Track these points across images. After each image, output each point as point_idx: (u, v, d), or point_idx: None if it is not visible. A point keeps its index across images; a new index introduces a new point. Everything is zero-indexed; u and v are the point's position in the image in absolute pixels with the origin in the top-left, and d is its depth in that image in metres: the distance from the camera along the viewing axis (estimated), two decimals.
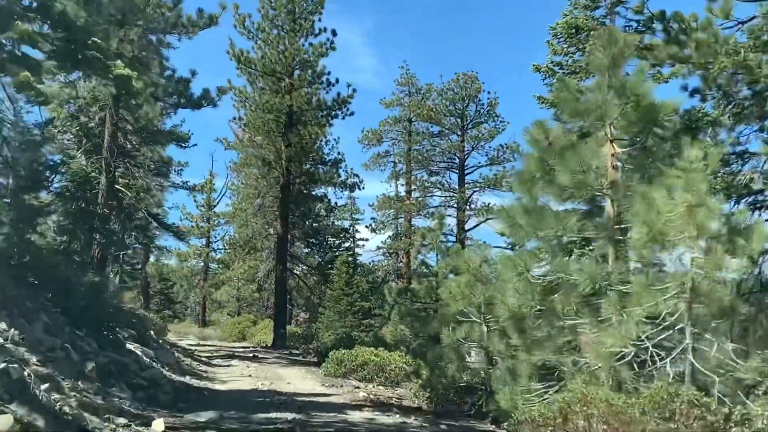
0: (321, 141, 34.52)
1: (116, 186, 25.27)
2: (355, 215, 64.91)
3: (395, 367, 22.55)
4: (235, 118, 33.54)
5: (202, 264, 53.81)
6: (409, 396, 18.69)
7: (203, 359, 25.55)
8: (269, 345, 34.44)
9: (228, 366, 24.42)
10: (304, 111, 33.48)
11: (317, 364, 26.36)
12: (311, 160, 34.19)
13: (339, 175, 44.10)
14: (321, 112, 33.54)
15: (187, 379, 18.91)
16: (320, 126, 33.29)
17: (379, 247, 58.22)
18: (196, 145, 62.80)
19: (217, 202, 55.76)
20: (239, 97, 33.60)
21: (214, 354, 28.84)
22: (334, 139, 42.51)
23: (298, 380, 21.53)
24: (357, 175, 43.89)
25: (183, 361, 22.41)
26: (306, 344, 32.91)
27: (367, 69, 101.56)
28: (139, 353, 18.04)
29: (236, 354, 29.00)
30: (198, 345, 33.74)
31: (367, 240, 62.89)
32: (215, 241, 56.50)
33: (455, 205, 50.89)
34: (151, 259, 61.72)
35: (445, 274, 28.37)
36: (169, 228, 31.39)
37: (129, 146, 26.71)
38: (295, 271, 46.61)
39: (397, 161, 54.43)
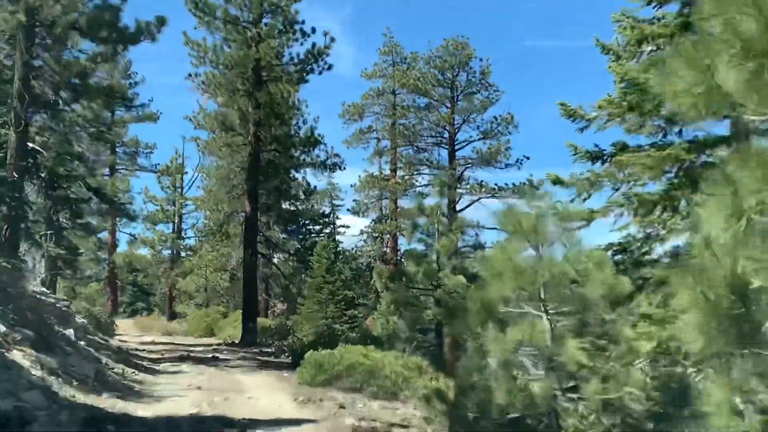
0: (294, 100, 28.39)
1: (30, 144, 19.18)
2: (336, 201, 59.14)
3: (391, 372, 16.78)
4: (191, 75, 27.40)
5: (169, 252, 47.57)
6: (417, 419, 12.82)
7: (146, 364, 19.55)
8: (237, 341, 28.46)
9: (176, 373, 18.44)
10: (274, 66, 27.46)
11: (292, 367, 20.53)
12: (284, 125, 28.03)
13: (318, 156, 38.66)
14: (294, 67, 27.49)
15: (103, 398, 12.92)
16: (293, 83, 27.23)
17: (362, 231, 52.45)
18: (158, 117, 56.30)
19: (189, 187, 49.60)
20: (197, 52, 27.44)
21: (165, 355, 22.83)
22: (307, 107, 36.57)
23: (263, 393, 15.66)
24: (338, 155, 38.26)
25: (112, 369, 16.40)
26: (280, 340, 26.99)
27: (346, 58, 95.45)
28: (26, 364, 12.04)
29: (192, 354, 23.02)
30: (152, 343, 27.71)
31: (348, 227, 56.92)
32: (187, 229, 50.36)
33: (444, 184, 45.10)
34: (123, 248, 55.99)
35: (449, 253, 22.59)
36: (112, 203, 25.32)
37: (50, 95, 20.57)
38: (273, 259, 40.73)
39: (380, 137, 48.61)
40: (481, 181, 43.33)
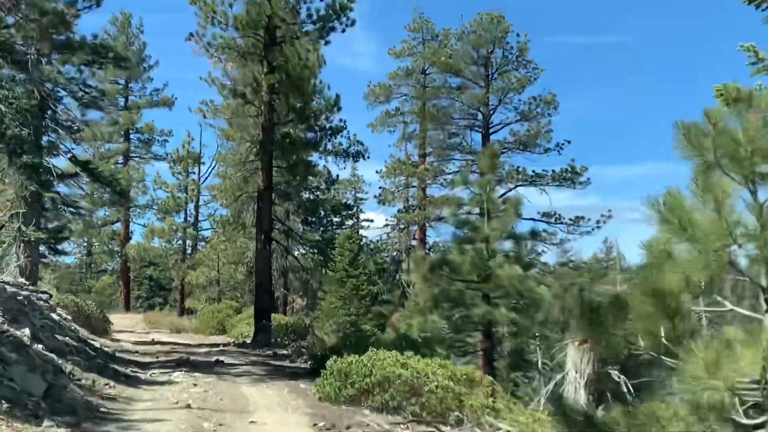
0: (314, 64, 24.17)
1: None
2: (359, 194, 55.02)
3: (437, 387, 12.62)
4: (192, 35, 23.27)
5: (180, 243, 43.52)
6: None
7: (131, 371, 15.48)
8: (249, 341, 24.40)
9: (164, 383, 14.35)
10: (290, 24, 23.33)
11: (311, 375, 16.47)
12: (301, 93, 23.81)
13: (340, 143, 34.63)
14: (312, 25, 23.34)
15: (41, 428, 8.88)
16: (312, 43, 23.06)
17: (387, 224, 48.20)
18: (173, 102, 52.50)
19: (206, 177, 45.50)
20: (204, 10, 23.34)
21: (160, 358, 18.77)
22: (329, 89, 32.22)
23: (272, 415, 11.63)
24: (361, 143, 34.24)
25: (77, 381, 12.32)
26: (297, 341, 22.91)
27: (366, 54, 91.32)
28: None
29: (193, 358, 18.91)
30: (152, 342, 23.72)
31: (372, 221, 52.81)
32: (203, 220, 46.32)
33: (478, 170, 40.77)
34: (137, 239, 52.06)
35: (502, 238, 18.38)
36: (103, 180, 21.22)
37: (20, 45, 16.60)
38: (292, 251, 36.73)
39: (408, 121, 44.41)
40: (518, 167, 39.13)
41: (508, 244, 18.59)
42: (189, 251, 43.97)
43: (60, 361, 12.87)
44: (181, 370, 15.89)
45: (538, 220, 38.50)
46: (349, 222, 47.54)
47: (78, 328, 19.92)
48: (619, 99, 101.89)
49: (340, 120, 29.57)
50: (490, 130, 40.46)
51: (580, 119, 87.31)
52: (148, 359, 18.28)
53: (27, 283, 19.93)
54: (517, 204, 17.91)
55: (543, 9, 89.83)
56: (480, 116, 40.64)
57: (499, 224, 17.44)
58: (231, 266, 36.89)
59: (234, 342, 24.81)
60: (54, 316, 17.65)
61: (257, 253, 24.30)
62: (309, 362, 17.95)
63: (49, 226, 21.79)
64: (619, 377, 12.06)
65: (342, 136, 32.06)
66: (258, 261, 24.28)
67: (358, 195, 54.60)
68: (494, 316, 17.00)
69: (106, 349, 18.08)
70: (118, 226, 54.46)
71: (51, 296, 20.19)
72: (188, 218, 43.60)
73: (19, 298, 14.66)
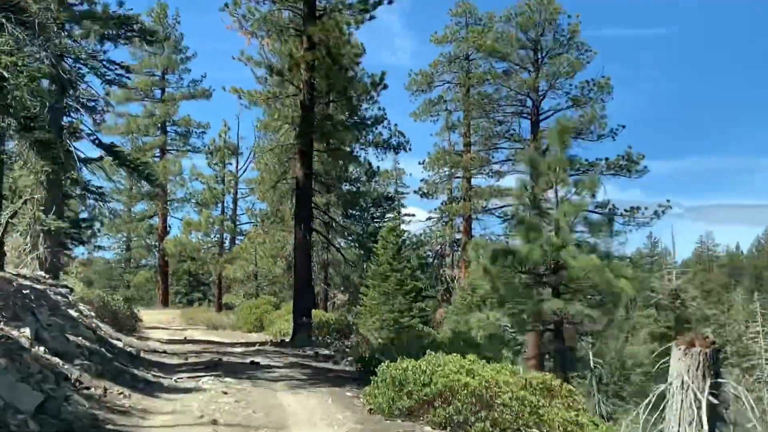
0: (355, 39, 21.92)
1: None
2: (400, 188, 52.69)
3: (512, 399, 10.34)
4: (227, 5, 21.09)
5: (217, 236, 41.55)
6: None
7: (152, 376, 13.39)
8: (288, 339, 22.29)
9: (190, 390, 12.21)
10: None
11: (358, 379, 14.28)
12: (342, 70, 21.57)
13: (380, 134, 32.57)
14: None
15: None
16: (355, 14, 20.84)
17: (429, 217, 45.78)
18: (211, 94, 50.60)
19: (244, 170, 43.44)
20: None
21: (190, 359, 16.64)
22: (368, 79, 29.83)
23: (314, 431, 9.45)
24: (402, 134, 32.17)
25: (82, 390, 10.23)
26: (341, 339, 20.72)
27: (405, 49, 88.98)
28: None
29: (226, 358, 16.80)
30: (183, 341, 21.66)
31: (413, 215, 50.47)
32: (241, 214, 44.32)
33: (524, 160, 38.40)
34: (175, 233, 50.25)
35: (574, 224, 15.96)
36: (124, 161, 19.15)
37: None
38: (332, 244, 34.64)
39: (452, 109, 42.02)
40: (571, 155, 36.48)
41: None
42: (227, 245, 42.04)
43: (66, 366, 10.81)
44: (212, 375, 13.75)
45: (590, 212, 35.91)
46: (390, 215, 45.41)
47: (101, 325, 17.94)
48: (657, 93, 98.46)
49: (380, 109, 27.58)
50: (540, 117, 37.97)
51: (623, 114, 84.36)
52: (175, 360, 16.19)
53: (46, 276, 18.03)
54: (593, 185, 15.45)
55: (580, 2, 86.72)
56: (529, 102, 38.19)
57: (572, 208, 15.03)
58: (269, 260, 34.81)
59: (272, 340, 22.70)
60: (72, 312, 15.66)
61: (296, 245, 22.14)
62: (355, 365, 15.73)
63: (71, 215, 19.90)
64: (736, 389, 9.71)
65: (383, 126, 30.04)
66: (297, 253, 22.11)
67: (399, 189, 52.39)
68: (567, 312, 14.61)
69: (129, 349, 16.04)
70: (156, 221, 52.86)
71: (72, 290, 18.27)
72: (225, 211, 41.63)
73: (25, 292, 12.66)
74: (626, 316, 14.79)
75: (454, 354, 12.30)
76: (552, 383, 11.42)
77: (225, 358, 16.90)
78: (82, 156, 19.10)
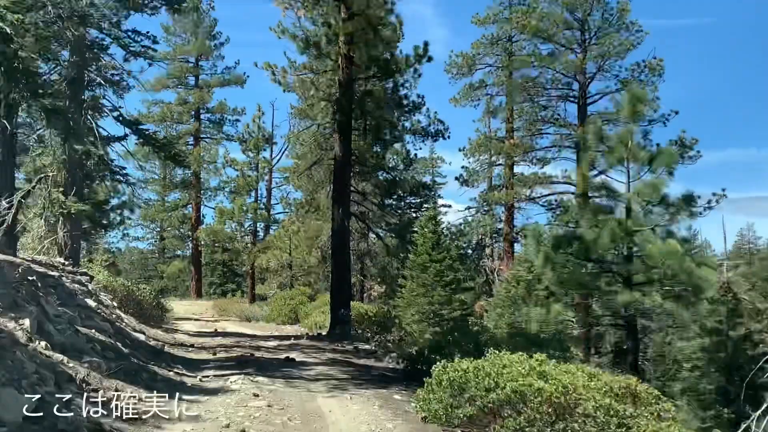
0: (397, 9, 20.09)
1: None
2: (437, 178, 50.74)
3: (595, 408, 8.55)
4: None
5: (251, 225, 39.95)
6: None
7: (175, 375, 11.76)
8: (324, 332, 20.65)
9: (216, 392, 10.55)
10: None
11: (405, 380, 12.61)
12: (383, 42, 19.78)
13: (419, 121, 30.85)
14: None
15: None
16: None
17: (468, 207, 43.75)
18: (245, 80, 49.17)
19: (279, 159, 41.78)
20: None
21: (219, 354, 15.01)
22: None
23: None
24: (441, 121, 30.39)
25: (85, 394, 8.52)
26: (382, 334, 19.00)
27: (437, 40, 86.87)
28: None
29: (258, 354, 15.16)
30: (214, 334, 20.13)
31: (449, 206, 48.52)
32: (276, 204, 42.70)
33: (573, 146, 36.28)
34: (209, 221, 48.80)
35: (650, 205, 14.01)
36: (149, 139, 17.53)
37: None
38: (373, 229, 32.97)
39: (494, 93, 39.98)
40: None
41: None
42: (260, 235, 40.52)
43: (71, 364, 9.21)
44: (241, 373, 12.10)
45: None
46: (428, 205, 43.53)
47: (123, 316, 16.44)
48: (694, 84, 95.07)
49: (419, 96, 25.86)
50: (588, 101, 35.83)
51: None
52: (203, 355, 14.58)
53: (65, 263, 16.51)
54: (671, 160, 13.47)
55: None
56: (576, 85, 36.03)
57: (648, 188, 13.12)
58: (304, 249, 33.18)
59: (307, 334, 21.06)
60: (90, 302, 14.14)
61: (334, 232, 20.44)
62: (401, 362, 13.99)
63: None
64: None
65: (421, 113, 28.32)
66: (335, 240, 20.42)
67: (435, 179, 50.46)
68: (642, 304, 12.71)
69: (152, 343, 14.49)
70: (190, 210, 51.56)
71: (92, 278, 16.75)
72: (259, 199, 40.05)
73: (31, 278, 11.07)
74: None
75: (519, 353, 10.54)
76: (637, 388, 9.64)
77: (257, 354, 15.28)
78: (105, 134, 17.50)
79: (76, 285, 14.89)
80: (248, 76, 50.65)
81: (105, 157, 17.27)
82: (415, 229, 36.52)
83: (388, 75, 20.33)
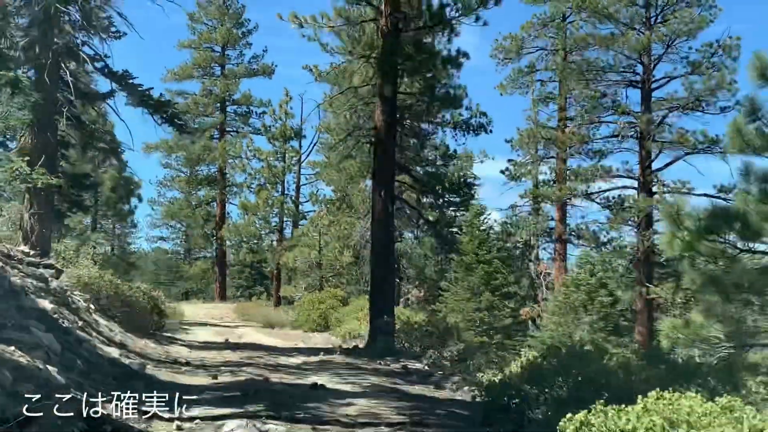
0: None
1: None
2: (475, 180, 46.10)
3: None
4: None
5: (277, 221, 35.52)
6: None
7: (151, 411, 7.37)
8: (362, 345, 16.26)
9: None
10: None
11: (485, 423, 8.16)
12: None
13: (460, 114, 26.53)
14: None
15: None
16: None
17: (513, 205, 38.99)
18: (273, 71, 45.31)
19: (309, 152, 37.45)
20: None
21: (220, 377, 10.58)
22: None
23: None
24: (484, 114, 26.00)
25: None
26: (436, 348, 14.48)
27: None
28: None
29: (273, 379, 10.66)
30: (225, 345, 15.76)
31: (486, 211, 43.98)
32: (304, 201, 38.28)
33: (635, 135, 31.56)
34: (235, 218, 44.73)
35: None
36: (142, 97, 13.28)
37: None
38: (406, 234, 28.83)
39: (546, 79, 35.50)
40: (688, 130, 29.66)
41: None
42: (287, 232, 36.16)
43: None
44: (245, 414, 7.74)
45: (713, 196, 29.18)
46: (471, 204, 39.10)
47: (102, 323, 12.21)
48: None
49: (460, 87, 21.61)
50: (652, 86, 31.08)
51: None
52: (199, 379, 10.20)
53: (30, 252, 12.32)
54: None
55: None
56: (639, 68, 31.24)
57: None
58: (335, 246, 28.84)
59: (341, 346, 16.63)
60: (45, 304, 9.93)
61: (375, 220, 16.06)
62: (477, 393, 9.50)
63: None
64: None
65: (462, 105, 24.10)
66: (376, 230, 16.02)
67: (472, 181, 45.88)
68: None
69: (128, 361, 10.18)
70: (215, 207, 47.59)
71: (59, 273, 12.51)
72: (287, 192, 35.63)
73: None
74: None
75: (690, 394, 6.10)
76: None
77: (274, 376, 10.90)
78: (88, 90, 13.30)
79: (31, 281, 10.70)
80: (276, 66, 46.71)
81: (86, 119, 13.06)
82: (455, 228, 32.46)
83: (440, 25, 15.89)
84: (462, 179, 38.48)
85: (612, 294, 27.32)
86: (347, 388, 10.23)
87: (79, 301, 12.16)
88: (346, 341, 18.52)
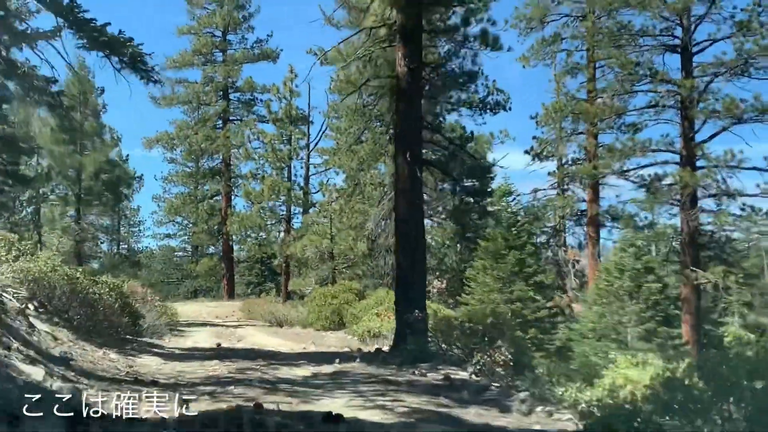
0: None
1: None
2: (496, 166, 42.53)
3: None
4: None
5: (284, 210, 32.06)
6: None
7: None
8: (386, 347, 12.87)
9: None
10: None
11: None
12: None
13: (475, 92, 23.15)
14: None
15: None
16: None
17: (536, 189, 35.42)
18: (277, 55, 41.90)
19: (317, 142, 33.99)
20: None
21: (197, 399, 7.24)
22: None
23: None
24: (501, 91, 22.68)
25: None
26: (484, 350, 11.02)
27: None
28: None
29: (267, 404, 7.25)
30: (215, 351, 12.38)
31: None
32: (315, 192, 34.72)
33: (675, 105, 27.98)
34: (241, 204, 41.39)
35: None
36: (91, 32, 9.91)
37: None
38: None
39: (572, 49, 31.92)
40: (734, 98, 26.07)
41: None
42: (296, 222, 32.76)
43: None
44: None
45: (763, 170, 25.79)
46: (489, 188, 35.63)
47: (41, 327, 8.87)
48: None
49: (474, 62, 18.16)
50: (693, 50, 27.51)
51: None
52: (154, 412, 6.86)
53: None
54: None
55: None
56: (678, 32, 27.67)
57: None
58: (348, 234, 25.41)
59: (360, 349, 13.23)
60: None
61: (398, 188, 12.63)
62: (581, 426, 6.09)
63: None
64: None
65: (478, 81, 20.77)
66: (400, 201, 12.59)
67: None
68: None
69: (53, 385, 6.78)
70: (220, 201, 44.38)
71: None
72: (293, 178, 32.20)
73: None
74: None
75: None
76: None
77: (269, 399, 7.47)
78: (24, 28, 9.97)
79: None
80: (281, 50, 43.26)
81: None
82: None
83: None
84: (481, 163, 35.12)
85: (660, 279, 23.82)
86: (377, 417, 6.83)
87: (10, 300, 8.88)
88: (365, 342, 15.20)
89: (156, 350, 11.79)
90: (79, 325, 10.39)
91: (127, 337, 12.42)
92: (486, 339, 11.02)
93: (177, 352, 11.99)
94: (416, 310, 11.68)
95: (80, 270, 13.70)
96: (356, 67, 13.65)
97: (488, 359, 10.21)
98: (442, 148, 25.67)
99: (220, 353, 12.04)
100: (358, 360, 11.21)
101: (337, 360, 11.06)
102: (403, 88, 12.27)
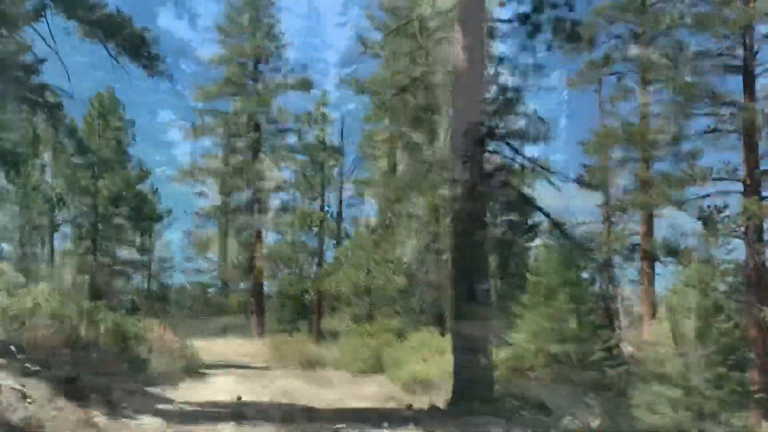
0: None
1: None
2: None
3: None
4: None
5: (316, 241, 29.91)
6: None
7: None
8: (437, 398, 10.47)
9: None
10: None
11: None
12: None
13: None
14: None
15: None
16: None
17: (582, 222, 32.85)
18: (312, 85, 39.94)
19: (353, 169, 31.98)
20: None
21: None
22: None
23: None
24: (542, 120, 20.94)
25: None
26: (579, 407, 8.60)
27: None
28: None
29: None
30: (231, 409, 10.08)
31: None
32: (347, 226, 32.52)
33: (738, 129, 25.63)
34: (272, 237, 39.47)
35: None
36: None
37: None
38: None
39: (624, 72, 29.76)
40: None
41: None
42: (328, 255, 30.59)
43: None
44: None
45: None
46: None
47: (2, 384, 6.64)
48: None
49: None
50: (756, 70, 25.19)
51: None
52: None
53: None
54: None
55: None
56: (740, 51, 25.38)
57: None
58: (386, 267, 23.14)
59: (410, 406, 10.83)
60: None
61: (456, 196, 10.37)
62: None
63: None
64: None
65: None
66: (459, 211, 10.25)
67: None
68: None
69: None
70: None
71: None
72: (326, 208, 30.07)
73: None
74: None
75: None
76: None
77: None
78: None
79: None
80: (315, 79, 41.61)
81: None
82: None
83: None
84: (523, 194, 32.81)
85: (731, 318, 21.25)
86: None
87: None
88: (411, 390, 12.81)
89: (161, 406, 9.53)
90: (62, 378, 8.22)
91: (130, 387, 10.21)
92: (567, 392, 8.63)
93: (187, 408, 9.72)
94: (481, 357, 9.32)
95: (82, 306, 11.58)
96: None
97: (586, 424, 7.81)
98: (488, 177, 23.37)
99: (238, 411, 9.69)
100: (411, 423, 8.82)
101: (386, 424, 8.66)
102: (460, 72, 10.03)
